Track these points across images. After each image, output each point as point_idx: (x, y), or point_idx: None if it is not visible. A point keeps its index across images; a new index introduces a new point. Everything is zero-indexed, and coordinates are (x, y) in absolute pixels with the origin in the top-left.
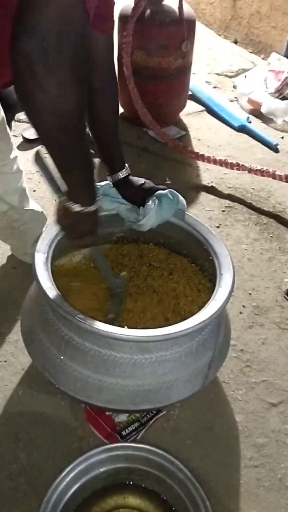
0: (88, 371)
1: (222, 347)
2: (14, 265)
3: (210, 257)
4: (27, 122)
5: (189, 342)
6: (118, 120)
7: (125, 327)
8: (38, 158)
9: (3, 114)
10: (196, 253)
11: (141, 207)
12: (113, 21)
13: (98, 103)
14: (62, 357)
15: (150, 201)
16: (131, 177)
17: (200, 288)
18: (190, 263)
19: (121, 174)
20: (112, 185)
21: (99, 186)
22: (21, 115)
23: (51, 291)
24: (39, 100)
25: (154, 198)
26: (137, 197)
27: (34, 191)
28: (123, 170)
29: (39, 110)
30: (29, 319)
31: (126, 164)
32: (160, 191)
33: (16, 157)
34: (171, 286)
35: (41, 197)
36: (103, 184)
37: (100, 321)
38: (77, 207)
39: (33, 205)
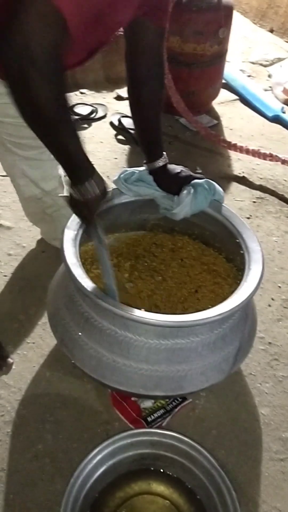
0: (103, 350)
1: (244, 345)
2: (44, 249)
3: (241, 251)
4: None
5: (206, 333)
6: (161, 109)
7: (142, 309)
8: None
9: None
10: (229, 247)
11: (176, 196)
12: (166, 13)
13: (143, 90)
14: (80, 333)
15: (186, 190)
16: (168, 166)
17: (228, 283)
18: (223, 258)
19: (159, 163)
20: (148, 173)
21: (136, 171)
22: None
23: (76, 267)
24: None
25: (190, 187)
26: (173, 186)
27: (64, 175)
28: (162, 158)
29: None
30: (54, 294)
31: (164, 153)
32: (196, 181)
33: None
34: (198, 282)
35: None
36: (141, 170)
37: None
38: (72, 190)
39: (66, 192)
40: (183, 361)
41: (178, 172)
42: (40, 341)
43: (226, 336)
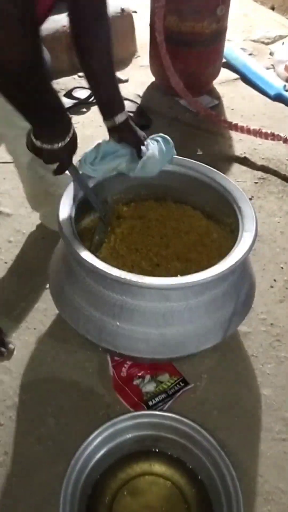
0: (98, 313)
1: (239, 309)
2: (43, 235)
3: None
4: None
5: (199, 296)
6: (113, 62)
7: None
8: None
9: None
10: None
11: (144, 148)
12: None
13: (88, 41)
14: (79, 300)
15: (149, 141)
16: (130, 121)
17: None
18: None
19: (122, 117)
20: (110, 131)
21: (96, 149)
22: None
23: (72, 237)
24: None
25: (153, 140)
26: (138, 139)
27: None
28: (123, 112)
29: None
30: (55, 265)
31: (125, 108)
32: (154, 135)
33: None
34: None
35: None
36: (100, 144)
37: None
38: (38, 143)
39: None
40: (175, 323)
41: (137, 132)
42: (41, 327)
43: (219, 299)
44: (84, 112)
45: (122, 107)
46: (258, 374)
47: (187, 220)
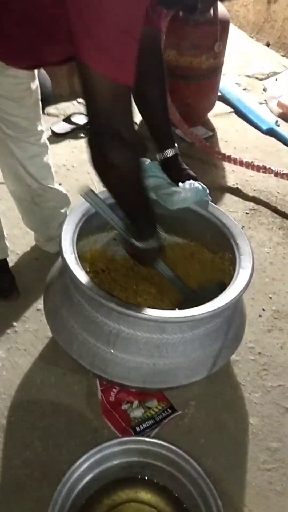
0: (94, 340)
1: (226, 345)
2: (37, 256)
3: (232, 251)
4: (57, 116)
5: (191, 331)
6: (166, 102)
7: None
8: (90, 195)
9: (37, 83)
10: (220, 246)
11: (181, 184)
12: (160, 15)
13: (145, 84)
14: (74, 324)
15: (190, 181)
16: (179, 158)
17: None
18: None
19: (170, 152)
20: (158, 164)
21: (145, 164)
22: (51, 109)
23: (72, 261)
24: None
25: (192, 181)
26: (181, 176)
27: (60, 184)
28: (173, 148)
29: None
30: (51, 286)
31: (176, 145)
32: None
33: (43, 131)
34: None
35: (67, 191)
36: (148, 163)
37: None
38: (138, 243)
39: (57, 186)
40: (169, 355)
41: (186, 168)
42: (31, 348)
43: (213, 333)
44: (82, 137)
45: (172, 143)
46: (246, 403)
47: (190, 252)
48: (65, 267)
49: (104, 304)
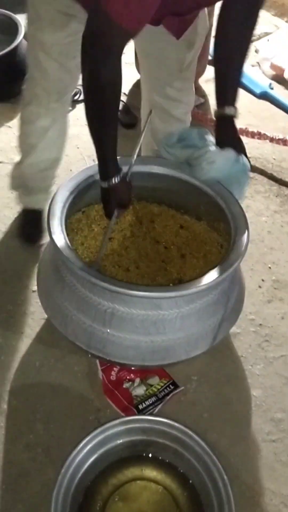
0: (89, 321)
1: (226, 318)
2: None
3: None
4: None
5: (187, 305)
6: (245, 55)
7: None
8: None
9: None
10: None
11: (220, 150)
12: None
13: (232, 26)
14: (67, 305)
15: (234, 153)
16: (235, 122)
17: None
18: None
19: (228, 110)
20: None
21: (176, 132)
22: None
23: (61, 240)
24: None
25: (239, 156)
26: (229, 143)
27: None
28: (232, 107)
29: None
30: (43, 267)
31: (237, 107)
32: (244, 157)
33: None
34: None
35: None
36: (181, 129)
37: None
38: (101, 182)
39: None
40: (166, 331)
41: (238, 136)
42: (28, 331)
43: (210, 306)
44: (69, 111)
45: (234, 102)
46: (248, 375)
47: (184, 225)
48: (55, 248)
49: (97, 283)
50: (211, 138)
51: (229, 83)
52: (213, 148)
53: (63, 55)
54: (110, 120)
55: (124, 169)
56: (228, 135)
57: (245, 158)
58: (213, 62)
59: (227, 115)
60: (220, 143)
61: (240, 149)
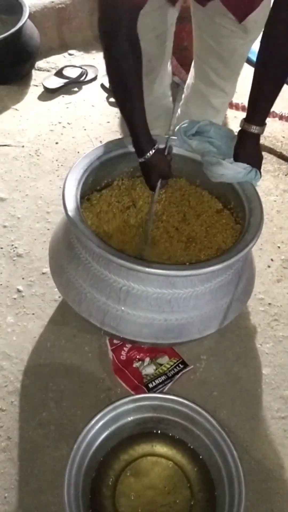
0: (103, 298)
1: (236, 299)
2: (38, 220)
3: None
4: (48, 71)
5: (201, 284)
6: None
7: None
8: None
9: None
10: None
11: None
12: None
13: (281, 30)
14: (82, 283)
15: (246, 165)
16: (259, 139)
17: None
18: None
19: (255, 129)
20: (227, 130)
21: (196, 123)
22: (40, 63)
23: (76, 215)
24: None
25: (248, 165)
26: (245, 159)
27: (56, 143)
28: (260, 127)
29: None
30: (56, 245)
31: (265, 125)
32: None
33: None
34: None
35: (64, 149)
36: (201, 122)
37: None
38: (138, 158)
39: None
40: (180, 310)
41: (257, 155)
42: (39, 312)
43: (224, 286)
44: (75, 92)
45: (263, 121)
46: (257, 353)
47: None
48: (71, 225)
49: (113, 260)
50: (229, 143)
51: (263, 99)
52: (225, 160)
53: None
54: (133, 93)
55: (161, 145)
56: (246, 151)
57: (257, 173)
58: (254, 69)
59: (251, 133)
60: (236, 156)
61: (255, 165)
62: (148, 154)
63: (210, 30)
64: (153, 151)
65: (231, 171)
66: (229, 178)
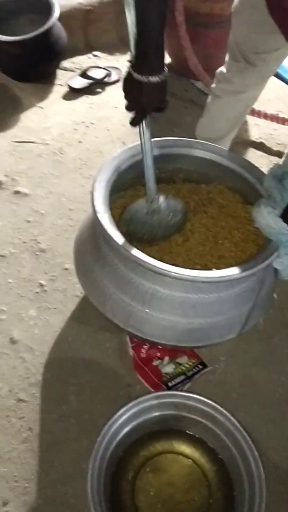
0: (129, 300)
1: (258, 305)
2: (61, 216)
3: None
4: (72, 71)
5: (225, 290)
6: None
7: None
8: None
9: None
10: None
11: None
12: None
13: None
14: (108, 284)
15: None
16: None
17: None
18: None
19: None
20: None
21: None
22: (66, 63)
23: (105, 217)
24: None
25: None
26: None
27: (80, 142)
28: None
29: None
30: (81, 245)
31: None
32: None
33: None
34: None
35: (87, 149)
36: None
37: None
38: (143, 78)
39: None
40: (204, 314)
41: None
42: (61, 307)
43: (247, 292)
44: (99, 93)
45: None
46: (275, 359)
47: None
48: (100, 227)
49: (140, 264)
50: None
51: None
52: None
53: None
54: None
55: None
56: None
57: None
58: None
59: None
60: None
61: None
62: (161, 75)
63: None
64: (166, 72)
65: (273, 224)
66: (263, 228)
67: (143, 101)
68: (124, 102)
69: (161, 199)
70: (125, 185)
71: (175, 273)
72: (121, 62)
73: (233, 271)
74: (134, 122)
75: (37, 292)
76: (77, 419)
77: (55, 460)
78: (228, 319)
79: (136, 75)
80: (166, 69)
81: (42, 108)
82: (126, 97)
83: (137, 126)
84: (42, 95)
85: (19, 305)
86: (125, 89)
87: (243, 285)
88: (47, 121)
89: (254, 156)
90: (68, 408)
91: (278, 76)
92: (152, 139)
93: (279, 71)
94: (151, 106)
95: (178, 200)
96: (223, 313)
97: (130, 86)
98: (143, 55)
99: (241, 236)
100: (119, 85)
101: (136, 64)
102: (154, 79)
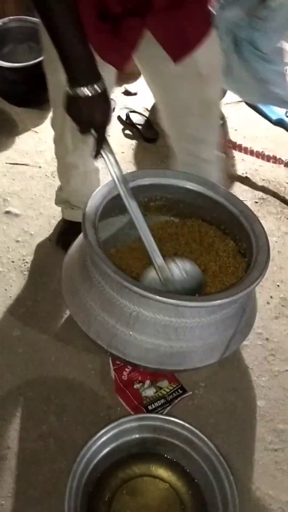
0: (113, 321)
1: (239, 331)
2: (50, 237)
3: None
4: None
5: (208, 315)
6: None
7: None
8: None
9: None
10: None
11: None
12: None
13: None
14: (93, 304)
15: None
16: None
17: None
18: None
19: None
20: None
21: None
22: None
23: (94, 242)
24: None
25: None
26: None
27: None
28: None
29: None
30: (69, 266)
31: None
32: None
33: None
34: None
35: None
36: None
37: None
38: (81, 91)
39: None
40: (186, 338)
41: None
42: (46, 326)
43: (228, 318)
44: None
45: None
46: (253, 386)
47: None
48: (89, 249)
49: (126, 286)
50: None
51: None
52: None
53: None
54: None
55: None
56: None
57: None
58: None
59: None
60: None
61: None
62: (93, 87)
63: (168, 81)
64: (102, 86)
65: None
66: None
67: (85, 117)
68: (115, 135)
69: (172, 265)
70: (115, 211)
71: (159, 296)
72: (115, 94)
73: (215, 297)
74: (95, 153)
75: (23, 313)
76: (56, 439)
77: (33, 479)
78: (210, 344)
79: (68, 90)
80: (102, 78)
81: (36, 132)
82: (71, 118)
83: (101, 158)
84: (37, 120)
85: (4, 323)
86: (66, 109)
87: (225, 311)
88: (41, 145)
89: (239, 190)
90: (48, 428)
91: (265, 116)
92: (142, 170)
93: (266, 112)
94: (95, 120)
95: (191, 262)
96: (204, 338)
97: (69, 105)
98: (68, 68)
99: (218, 268)
100: (113, 115)
101: (68, 80)
102: (86, 90)
